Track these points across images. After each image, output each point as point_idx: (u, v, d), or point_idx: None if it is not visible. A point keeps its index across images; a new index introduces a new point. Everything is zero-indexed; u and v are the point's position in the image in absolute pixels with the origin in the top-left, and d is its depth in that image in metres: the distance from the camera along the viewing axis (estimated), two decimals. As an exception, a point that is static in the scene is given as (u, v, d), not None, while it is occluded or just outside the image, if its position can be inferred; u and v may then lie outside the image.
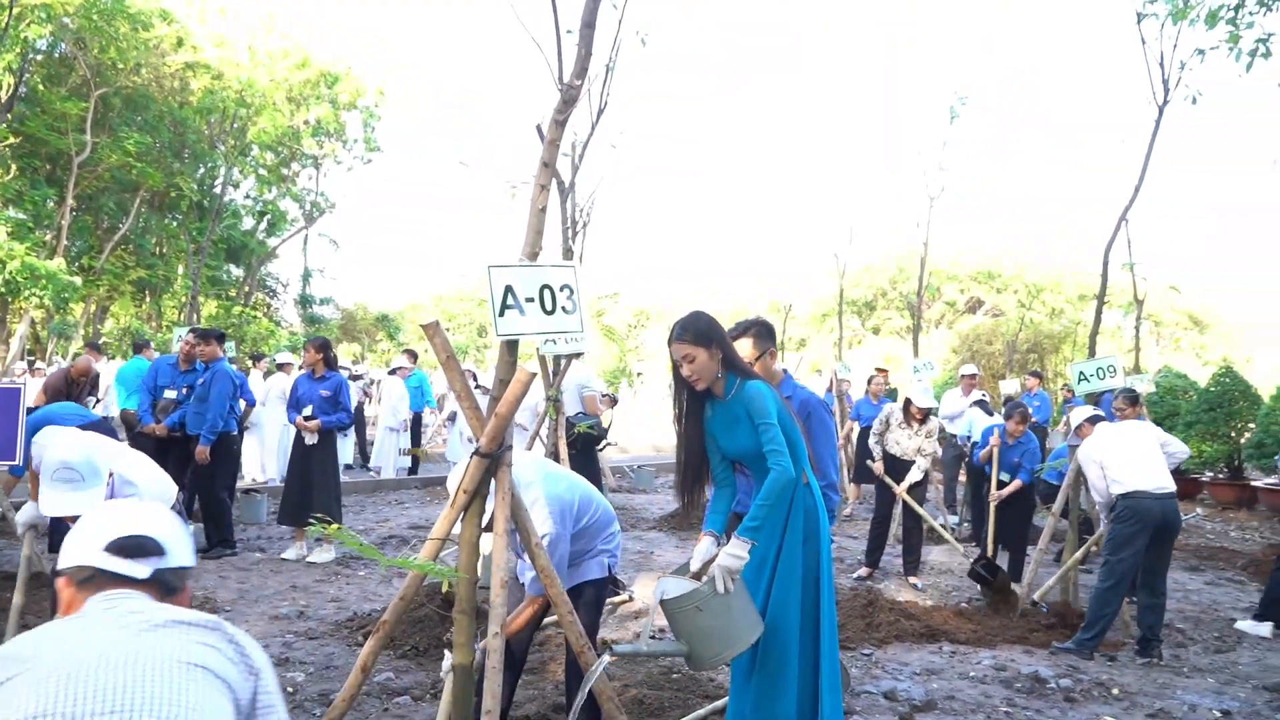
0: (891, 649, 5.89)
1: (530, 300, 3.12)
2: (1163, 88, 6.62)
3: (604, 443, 9.22)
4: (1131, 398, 6.79)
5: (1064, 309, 27.43)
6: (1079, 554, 6.69)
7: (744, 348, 4.00)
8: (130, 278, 24.56)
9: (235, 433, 7.96)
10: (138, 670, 1.66)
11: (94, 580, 1.85)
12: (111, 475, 4.22)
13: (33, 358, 21.74)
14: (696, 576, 3.40)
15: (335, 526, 3.02)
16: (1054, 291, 28.30)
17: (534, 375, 3.04)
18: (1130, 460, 5.98)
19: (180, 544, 1.97)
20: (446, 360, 3.10)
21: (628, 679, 5.05)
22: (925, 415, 7.90)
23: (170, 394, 7.71)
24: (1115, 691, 5.22)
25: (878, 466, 8.04)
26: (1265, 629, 6.47)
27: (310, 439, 7.62)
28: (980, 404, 10.10)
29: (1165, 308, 27.61)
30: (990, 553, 7.87)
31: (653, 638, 3.61)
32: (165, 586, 1.90)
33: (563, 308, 3.19)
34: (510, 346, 3.14)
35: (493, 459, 3.08)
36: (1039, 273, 28.76)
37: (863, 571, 7.85)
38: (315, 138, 27.23)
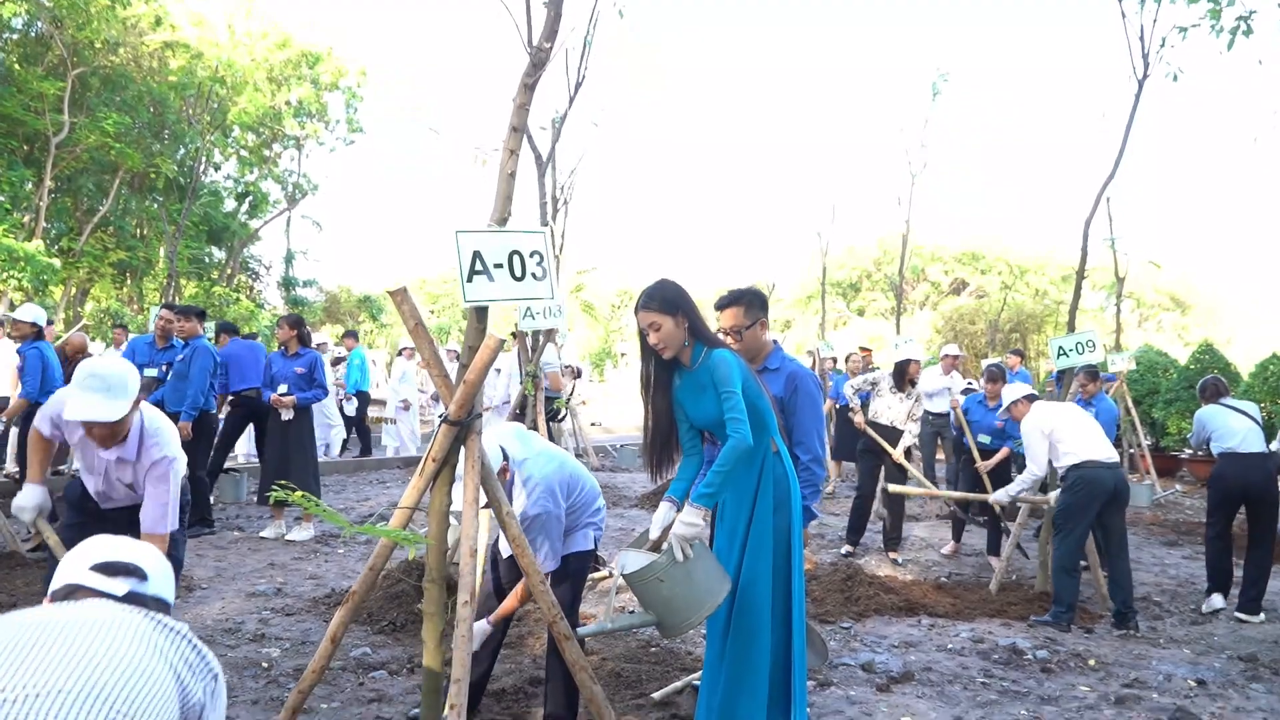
0: (870, 622, 5.91)
1: (499, 266, 3.08)
2: (1142, 62, 6.61)
3: (562, 414, 9.28)
4: (1092, 373, 6.82)
5: (1048, 290, 27.54)
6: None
7: (735, 316, 3.97)
8: (110, 260, 24.31)
9: (214, 410, 7.88)
10: (89, 622, 1.71)
11: (72, 595, 1.92)
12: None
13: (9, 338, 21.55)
14: (656, 545, 3.38)
15: (300, 494, 2.98)
16: (1038, 273, 28.37)
17: (502, 342, 3.01)
18: (1079, 432, 6.05)
19: (164, 579, 2.04)
20: (415, 328, 3.07)
21: (605, 653, 5.04)
22: (900, 377, 7.87)
23: (151, 372, 7.61)
24: (1091, 662, 5.24)
25: (858, 419, 7.97)
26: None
27: (286, 415, 7.58)
28: (967, 393, 10.12)
29: (1147, 288, 27.73)
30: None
31: (622, 610, 3.60)
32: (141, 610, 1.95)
33: (533, 274, 3.15)
34: (479, 313, 3.10)
35: (462, 426, 3.05)
36: (1023, 254, 28.85)
37: (846, 548, 7.86)
38: (297, 119, 26.95)
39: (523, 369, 6.82)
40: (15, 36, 21.50)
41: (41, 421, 4.09)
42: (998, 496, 6.60)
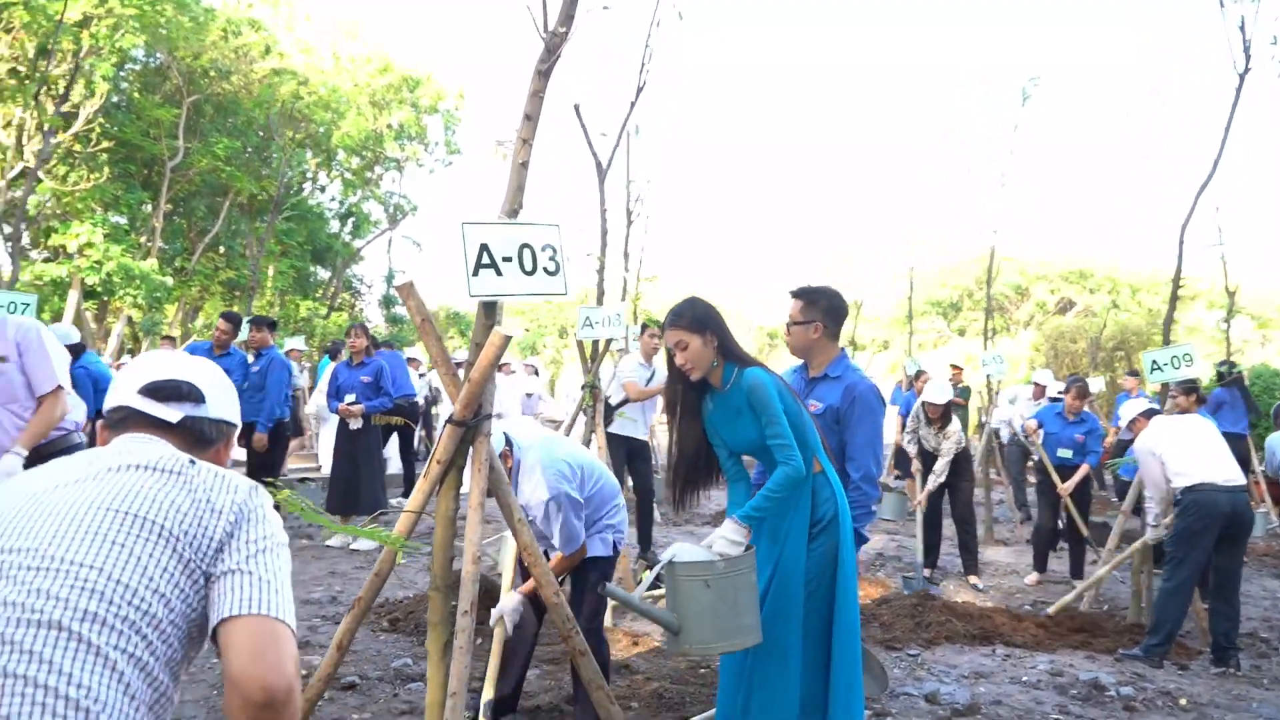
0: (940, 650, 5.56)
1: (508, 260, 2.95)
2: (1244, 56, 6.13)
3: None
4: (1188, 388, 6.31)
5: (1161, 309, 26.12)
6: (1121, 557, 6.22)
7: (794, 309, 3.77)
8: (220, 278, 25.27)
9: (287, 419, 7.99)
10: (60, 511, 1.52)
11: (125, 422, 1.76)
12: None
13: (131, 354, 22.54)
14: None
15: (285, 493, 2.90)
16: (1151, 291, 26.99)
17: (508, 339, 2.87)
18: (1194, 451, 5.54)
19: (224, 398, 1.86)
20: (422, 324, 2.96)
21: (652, 673, 4.84)
22: (943, 415, 7.47)
23: None
24: (1183, 702, 4.80)
25: (914, 462, 7.70)
26: None
27: (355, 424, 7.62)
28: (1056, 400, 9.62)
29: (1270, 306, 26.04)
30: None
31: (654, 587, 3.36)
32: (198, 436, 1.79)
33: (544, 268, 3.01)
34: (487, 309, 2.97)
35: (468, 428, 2.92)
36: (1134, 270, 27.48)
37: (924, 573, 7.48)
38: (398, 141, 27.64)
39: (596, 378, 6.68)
40: (137, 68, 22.61)
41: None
42: (1154, 536, 6.06)
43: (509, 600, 3.76)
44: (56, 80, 13.48)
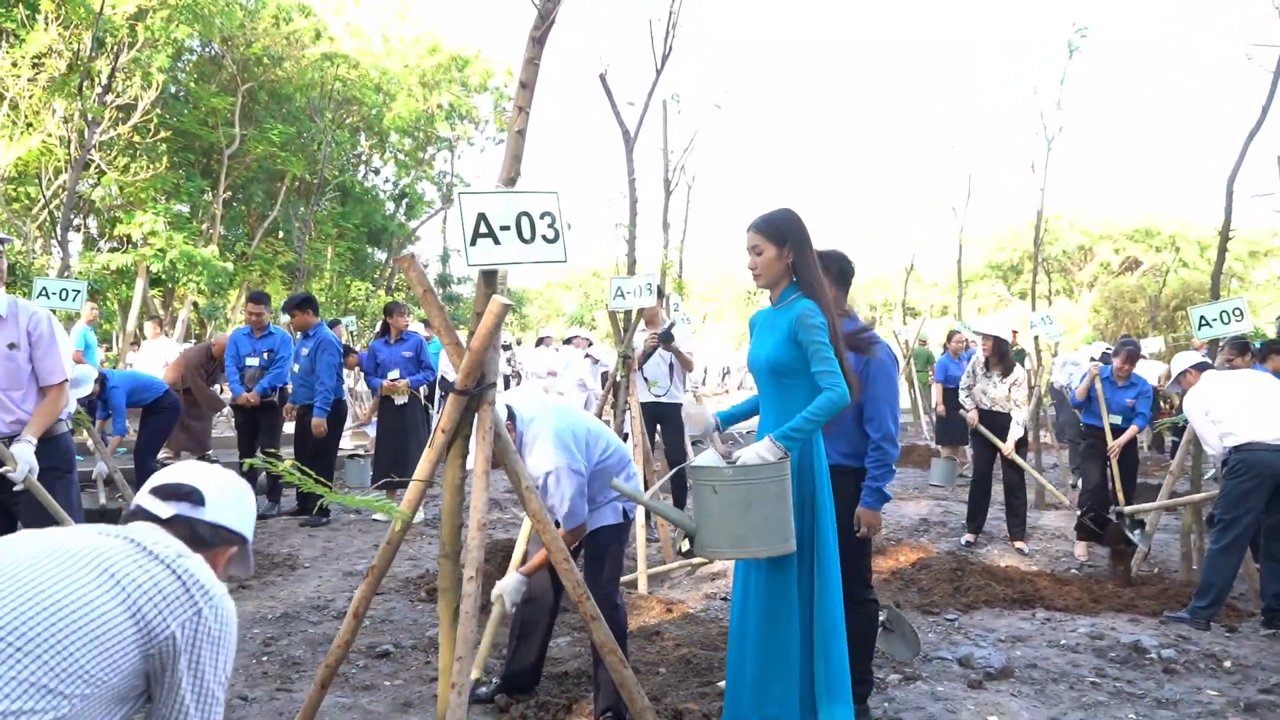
0: (979, 614, 5.49)
1: (506, 229, 2.96)
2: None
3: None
4: (1240, 345, 6.10)
5: (1232, 267, 25.28)
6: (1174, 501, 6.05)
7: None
8: (279, 263, 25.76)
9: (344, 398, 8.10)
10: (42, 553, 1.68)
11: (130, 518, 1.96)
12: None
13: (198, 338, 23.15)
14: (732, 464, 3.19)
15: (287, 464, 2.96)
16: (1218, 248, 26.13)
17: (508, 307, 2.89)
18: (1244, 408, 5.35)
19: (228, 504, 2.02)
20: (424, 294, 2.99)
21: (682, 639, 4.87)
22: (1000, 356, 7.30)
23: (252, 361, 7.86)
24: (1227, 664, 4.69)
25: (971, 416, 7.51)
26: None
27: (401, 399, 7.74)
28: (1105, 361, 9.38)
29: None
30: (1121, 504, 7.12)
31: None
32: (192, 536, 1.94)
33: (543, 236, 3.01)
34: (487, 278, 2.99)
35: (471, 396, 2.95)
36: (1203, 228, 26.62)
37: (968, 537, 7.38)
38: (448, 121, 27.84)
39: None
40: (193, 58, 23.06)
41: None
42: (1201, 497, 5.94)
43: (509, 579, 3.78)
44: (99, 72, 13.78)
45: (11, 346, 3.95)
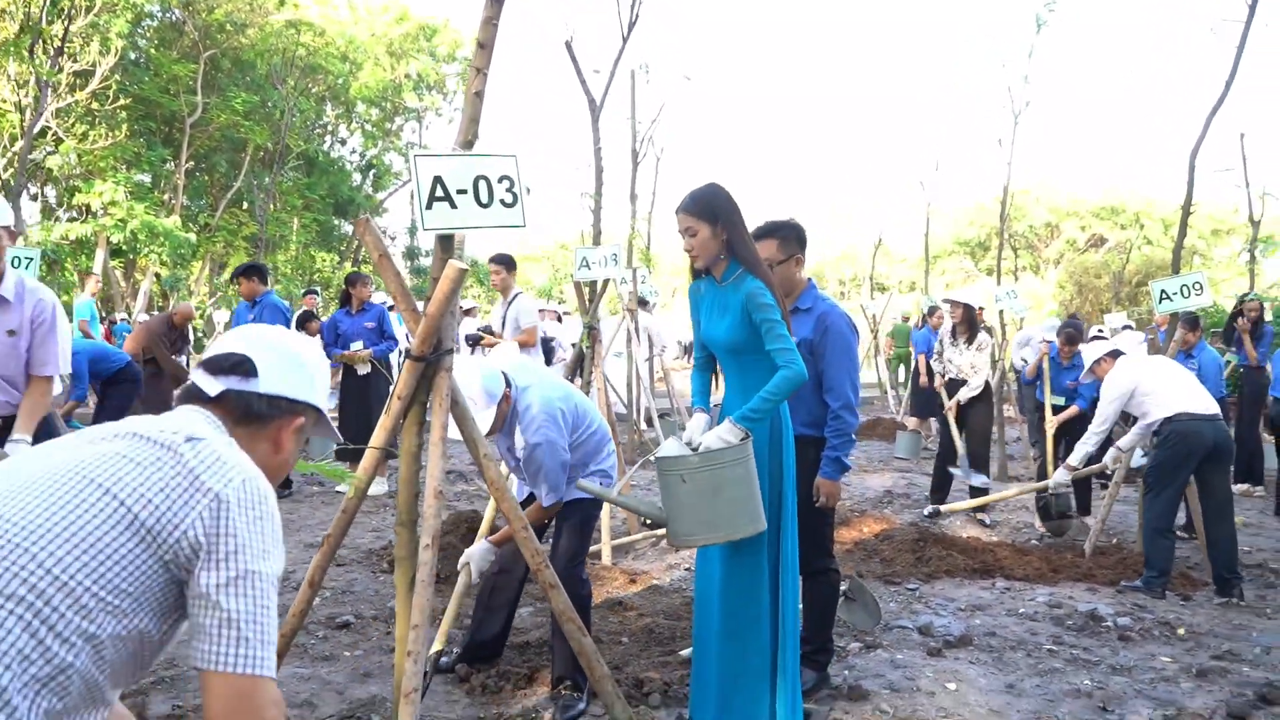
0: (940, 584, 5.55)
1: (462, 192, 2.91)
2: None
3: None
4: (1191, 321, 6.19)
5: (1194, 245, 25.57)
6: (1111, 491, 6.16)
7: (767, 249, 3.69)
8: (244, 234, 25.41)
9: None
10: (32, 478, 1.48)
11: (187, 395, 1.75)
12: None
13: (160, 310, 22.82)
14: (695, 450, 3.17)
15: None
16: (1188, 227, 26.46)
17: (464, 271, 2.84)
18: (1171, 383, 5.50)
19: (285, 371, 1.78)
20: (379, 259, 2.94)
21: (645, 609, 4.88)
22: (968, 322, 7.38)
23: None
24: (1181, 631, 4.77)
25: (938, 382, 7.64)
26: None
27: (363, 369, 7.67)
28: (1097, 339, 9.47)
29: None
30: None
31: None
32: (245, 411, 1.73)
33: (501, 200, 2.97)
34: (444, 243, 2.94)
35: (427, 363, 2.90)
36: (1168, 205, 26.89)
37: (929, 509, 7.44)
38: (416, 91, 27.52)
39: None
40: (154, 24, 22.57)
41: None
42: (1058, 479, 6.11)
43: (477, 547, 3.76)
44: (53, 35, 13.41)
45: (11, 333, 3.75)
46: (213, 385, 1.72)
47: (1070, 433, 7.48)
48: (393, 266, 2.95)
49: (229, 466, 1.56)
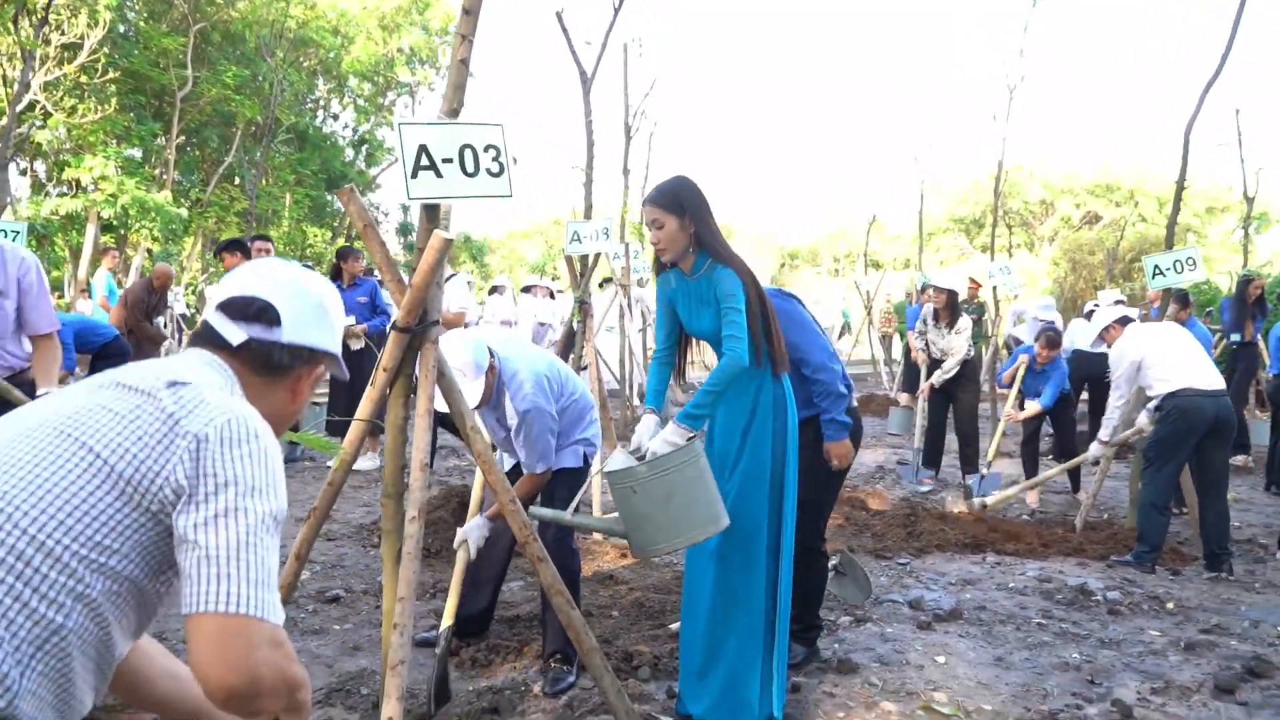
0: (930, 559, 5.55)
1: (448, 161, 2.87)
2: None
3: None
4: (1181, 298, 6.17)
5: (1189, 223, 25.54)
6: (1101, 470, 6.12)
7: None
8: (235, 209, 25.23)
9: None
10: (12, 437, 1.43)
11: (202, 335, 1.67)
12: None
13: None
14: (642, 458, 3.15)
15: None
16: (1184, 203, 26.43)
17: (449, 242, 2.81)
18: (1176, 356, 5.45)
19: (309, 321, 1.70)
20: (364, 229, 2.90)
21: (635, 583, 4.88)
22: (950, 308, 7.38)
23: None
24: (1170, 606, 4.78)
25: (921, 357, 7.69)
26: None
27: (356, 344, 7.64)
28: (1090, 315, 9.46)
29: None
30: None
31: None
32: (265, 362, 1.66)
33: (487, 170, 2.93)
34: (429, 212, 2.91)
35: (413, 334, 2.87)
36: (1162, 183, 26.82)
37: (925, 484, 7.45)
38: (409, 65, 27.27)
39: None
40: (143, -4, 22.32)
41: None
42: (1093, 452, 6.06)
43: (472, 523, 3.74)
44: (36, 5, 13.21)
45: None
46: (235, 334, 1.63)
47: (1056, 419, 7.51)
48: (377, 237, 2.92)
49: (211, 407, 1.46)
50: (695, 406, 3.07)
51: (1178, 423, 5.37)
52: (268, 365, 1.67)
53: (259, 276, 1.72)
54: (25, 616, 1.32)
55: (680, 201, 3.20)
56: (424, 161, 2.84)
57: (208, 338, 1.66)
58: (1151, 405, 5.62)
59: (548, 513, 3.17)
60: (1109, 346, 5.98)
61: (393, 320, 2.94)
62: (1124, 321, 5.98)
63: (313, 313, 1.73)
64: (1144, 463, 5.64)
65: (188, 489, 1.39)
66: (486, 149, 2.92)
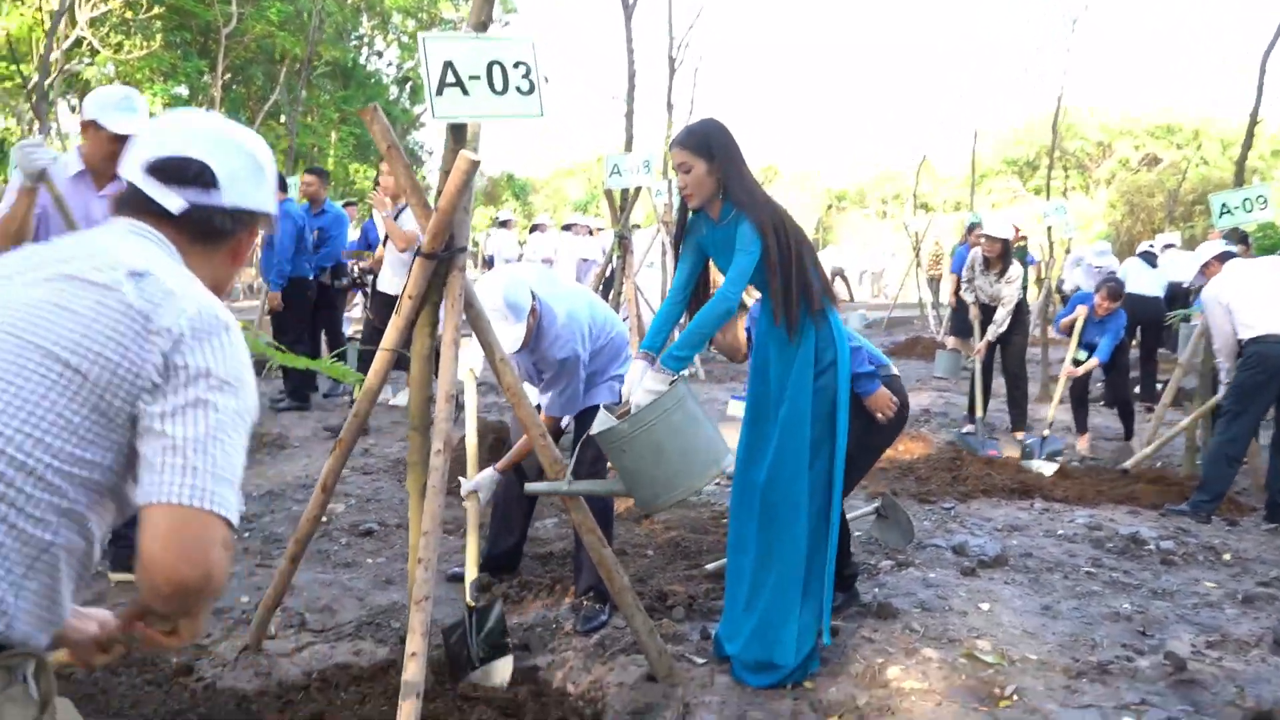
0: (976, 504, 5.41)
1: (475, 78, 2.72)
2: None
3: None
4: (1242, 237, 5.85)
5: (1255, 165, 24.51)
6: (1203, 409, 5.88)
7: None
8: (281, 147, 25.23)
9: (311, 278, 7.62)
10: None
11: (130, 202, 1.50)
12: None
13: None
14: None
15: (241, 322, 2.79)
16: (1241, 145, 25.34)
17: (476, 164, 2.68)
18: (1262, 301, 5.15)
19: (246, 180, 1.55)
20: (389, 149, 2.79)
21: (672, 523, 4.80)
22: (1002, 256, 7.07)
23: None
24: (1226, 557, 4.60)
25: (974, 310, 7.40)
26: None
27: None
28: (1145, 255, 9.12)
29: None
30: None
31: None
32: (205, 229, 1.51)
33: (517, 88, 2.78)
34: (455, 133, 2.77)
35: (438, 260, 2.76)
36: (1226, 125, 25.74)
37: (968, 427, 7.27)
38: (452, 1, 26.94)
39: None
40: (187, -71, 22.18)
41: None
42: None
43: (482, 475, 3.66)
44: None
45: None
46: (173, 200, 1.48)
47: (1111, 369, 7.21)
48: (402, 158, 2.81)
49: (180, 298, 1.36)
50: (680, 348, 3.00)
51: (1256, 370, 5.13)
52: (209, 232, 1.53)
53: (183, 131, 1.54)
54: (14, 539, 1.26)
55: (709, 145, 3.06)
56: (449, 79, 2.69)
57: (139, 205, 1.50)
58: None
59: (544, 486, 3.07)
60: (1204, 281, 5.69)
61: (418, 245, 2.84)
62: (1224, 258, 5.65)
63: (251, 169, 1.57)
64: (1221, 411, 5.40)
65: (160, 385, 1.30)
66: (516, 65, 2.77)
